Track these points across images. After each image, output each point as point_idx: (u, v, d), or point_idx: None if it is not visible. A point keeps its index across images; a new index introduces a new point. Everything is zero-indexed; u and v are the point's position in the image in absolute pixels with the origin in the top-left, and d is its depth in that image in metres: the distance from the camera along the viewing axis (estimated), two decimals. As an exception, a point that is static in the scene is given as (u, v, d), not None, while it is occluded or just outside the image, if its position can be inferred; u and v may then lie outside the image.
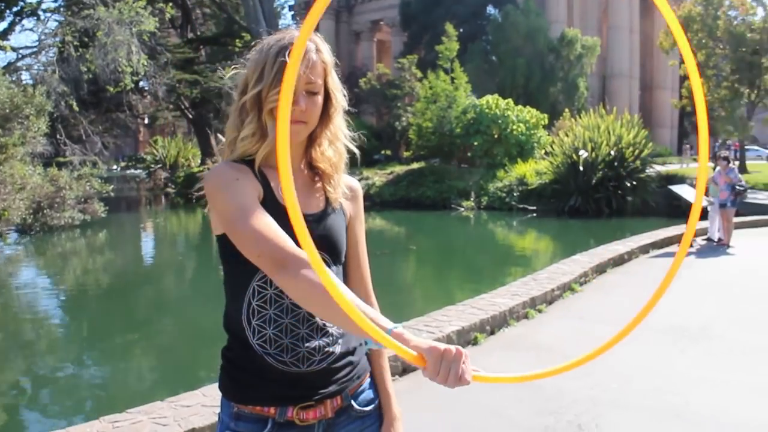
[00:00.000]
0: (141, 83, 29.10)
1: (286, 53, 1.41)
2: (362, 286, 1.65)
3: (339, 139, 1.55)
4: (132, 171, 40.37)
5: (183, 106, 34.73)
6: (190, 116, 35.55)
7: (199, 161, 34.98)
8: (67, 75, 22.68)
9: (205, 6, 41.51)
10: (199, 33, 39.45)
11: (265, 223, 1.33)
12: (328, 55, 1.49)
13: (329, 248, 1.50)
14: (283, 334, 1.45)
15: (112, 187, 22.99)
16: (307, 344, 1.46)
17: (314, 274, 1.17)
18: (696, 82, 1.01)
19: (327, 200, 1.55)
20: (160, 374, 7.05)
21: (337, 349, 1.51)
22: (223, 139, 1.56)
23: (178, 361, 7.31)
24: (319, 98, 1.47)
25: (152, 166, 35.52)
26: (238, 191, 1.40)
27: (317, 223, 1.49)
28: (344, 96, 1.55)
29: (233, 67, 1.61)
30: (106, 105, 28.35)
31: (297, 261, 1.26)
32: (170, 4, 31.49)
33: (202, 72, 31.82)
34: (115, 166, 40.05)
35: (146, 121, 45.89)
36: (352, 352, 1.55)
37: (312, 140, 1.53)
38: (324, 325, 1.48)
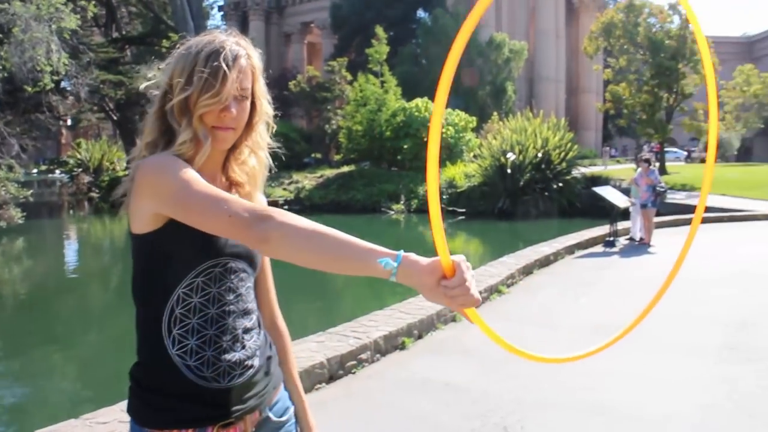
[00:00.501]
0: (62, 83, 28.10)
1: (219, 58, 1.36)
2: (270, 307, 1.64)
3: (261, 148, 1.51)
4: (53, 175, 38.95)
5: (107, 108, 33.73)
6: (115, 118, 34.57)
7: (125, 165, 33.99)
8: (-21, 73, 21.68)
9: (131, 4, 40.51)
10: (124, 32, 38.46)
11: (230, 199, 1.27)
12: (257, 60, 1.45)
13: (249, 258, 1.47)
14: (206, 345, 1.38)
15: (31, 192, 22.11)
16: (228, 357, 1.40)
17: (292, 217, 1.19)
18: (713, 97, 1.16)
19: None
20: (80, 389, 6.78)
21: (256, 362, 1.46)
22: (138, 144, 1.47)
23: (101, 375, 7.04)
24: (248, 104, 1.43)
25: (75, 169, 34.23)
26: (186, 168, 1.32)
27: None
28: (270, 104, 1.50)
29: (158, 67, 1.52)
30: (24, 105, 27.15)
31: (273, 211, 1.22)
32: (93, 1, 30.47)
33: (128, 73, 30.95)
34: (35, 170, 38.52)
35: (69, 123, 44.42)
36: (268, 364, 1.51)
37: (232, 148, 1.47)
38: (243, 337, 1.44)
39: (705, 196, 1.30)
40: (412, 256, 1.14)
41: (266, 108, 1.49)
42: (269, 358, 1.52)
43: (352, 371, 4.77)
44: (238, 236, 1.26)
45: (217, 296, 1.40)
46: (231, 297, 1.43)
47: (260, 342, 1.49)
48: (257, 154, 1.51)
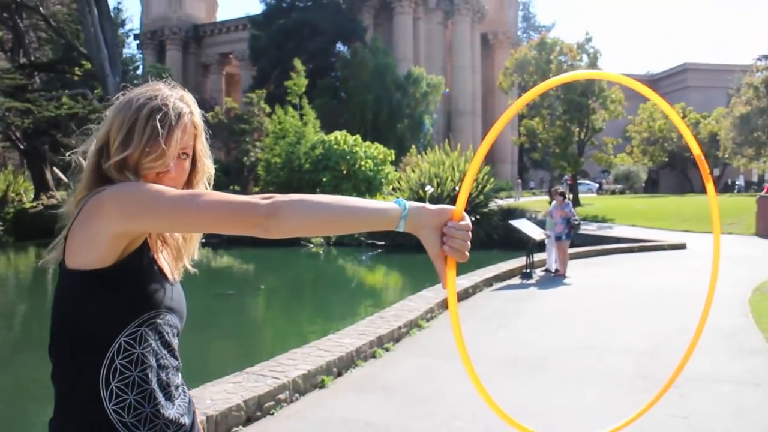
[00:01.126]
0: (-38, 110, 26.86)
1: (164, 117, 1.31)
2: None
3: None
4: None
5: (14, 137, 32.34)
6: (22, 147, 33.18)
7: (33, 196, 32.58)
8: None
9: (41, 30, 39.16)
10: (33, 58, 37.07)
11: (219, 192, 1.26)
12: (198, 117, 1.42)
13: (181, 314, 1.43)
14: (146, 401, 1.30)
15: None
16: (164, 414, 1.32)
17: (284, 198, 1.21)
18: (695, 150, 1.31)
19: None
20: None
21: (186, 420, 1.39)
22: (69, 199, 1.41)
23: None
24: (187, 163, 1.39)
25: (-24, 201, 32.61)
26: (162, 186, 1.28)
27: (176, 288, 1.43)
28: (211, 161, 1.48)
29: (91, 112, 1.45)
30: None
31: (272, 197, 1.22)
32: (-1, 26, 29.46)
33: (36, 101, 29.86)
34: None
35: (-30, 152, 42.37)
36: (193, 421, 1.44)
37: None
38: (176, 394, 1.38)
39: (718, 234, 1.39)
40: (417, 203, 1.25)
41: (208, 167, 1.47)
42: (194, 413, 1.47)
43: (271, 412, 4.63)
44: (240, 220, 1.21)
45: (157, 349, 1.34)
46: (166, 351, 1.37)
47: (187, 399, 1.44)
48: None
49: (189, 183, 1.43)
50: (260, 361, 5.43)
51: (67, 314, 1.32)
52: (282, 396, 4.78)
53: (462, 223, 1.21)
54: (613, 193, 47.17)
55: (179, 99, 1.38)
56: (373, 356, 6.16)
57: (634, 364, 5.92)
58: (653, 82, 69.71)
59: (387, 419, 4.60)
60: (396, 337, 6.77)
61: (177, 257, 1.48)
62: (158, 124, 1.31)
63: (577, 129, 28.51)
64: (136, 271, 1.30)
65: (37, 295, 15.98)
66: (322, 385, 5.25)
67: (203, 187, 1.47)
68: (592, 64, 28.40)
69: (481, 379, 1.23)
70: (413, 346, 6.80)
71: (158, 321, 1.34)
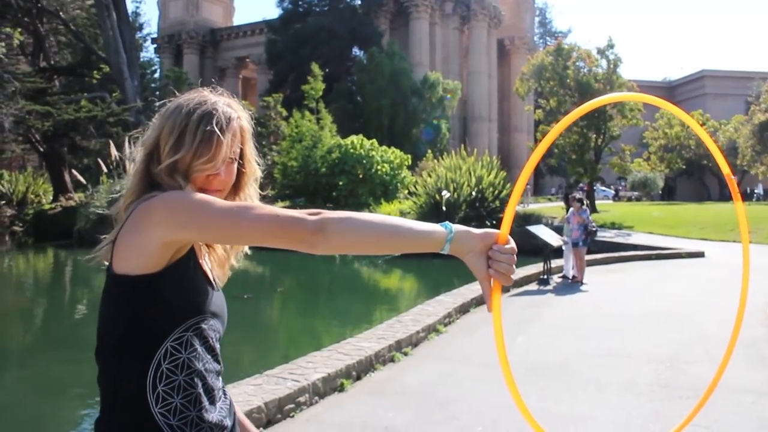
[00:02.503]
0: (-16, 113, 27.10)
1: (212, 121, 1.35)
2: None
3: None
4: (-27, 207, 37.37)
5: (34, 139, 32.64)
6: (42, 150, 33.50)
7: (51, 198, 32.86)
8: None
9: (61, 34, 39.55)
10: (53, 62, 37.44)
11: (267, 205, 1.27)
12: (246, 121, 1.45)
13: (223, 319, 1.45)
14: (191, 405, 1.31)
15: (-52, 225, 21.12)
16: (208, 418, 1.34)
17: (332, 215, 1.22)
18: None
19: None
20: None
21: (229, 422, 1.41)
22: (118, 202, 1.43)
23: (21, 421, 6.67)
24: (235, 167, 1.42)
25: (-4, 202, 32.95)
26: (212, 197, 1.30)
27: (219, 294, 1.45)
28: (258, 165, 1.51)
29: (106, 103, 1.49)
30: (-58, 135, 26.16)
31: (320, 213, 1.23)
32: (20, 29, 29.71)
33: (56, 104, 30.11)
34: (-47, 202, 36.88)
35: (-9, 153, 42.84)
36: (234, 424, 1.46)
37: None
38: (220, 397, 1.40)
39: (747, 243, 1.38)
40: (462, 225, 1.26)
41: (256, 170, 1.49)
42: (235, 414, 1.49)
43: (290, 415, 4.65)
44: (286, 235, 1.22)
45: (202, 354, 1.36)
46: (210, 355, 1.39)
47: (228, 401, 1.45)
48: None
49: (237, 185, 1.46)
50: (278, 364, 5.45)
51: (115, 319, 1.33)
52: (302, 399, 4.79)
53: (507, 246, 1.22)
54: (629, 200, 46.89)
55: (227, 105, 1.41)
56: (392, 360, 6.17)
57: (654, 372, 5.88)
58: (670, 89, 69.42)
59: (406, 423, 4.60)
60: (414, 341, 6.77)
61: (221, 263, 1.50)
62: (209, 128, 1.34)
63: (594, 135, 28.38)
64: (183, 277, 1.32)
65: (60, 294, 16.12)
66: (341, 389, 5.26)
67: (252, 191, 1.50)
68: (612, 70, 28.25)
69: (500, 385, 1.24)
70: (432, 350, 6.79)
71: (203, 326, 1.36)
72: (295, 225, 1.21)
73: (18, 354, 9.94)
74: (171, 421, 1.30)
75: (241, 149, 1.44)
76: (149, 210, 1.27)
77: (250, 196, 1.50)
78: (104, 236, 1.42)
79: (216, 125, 1.35)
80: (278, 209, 1.25)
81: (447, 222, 1.26)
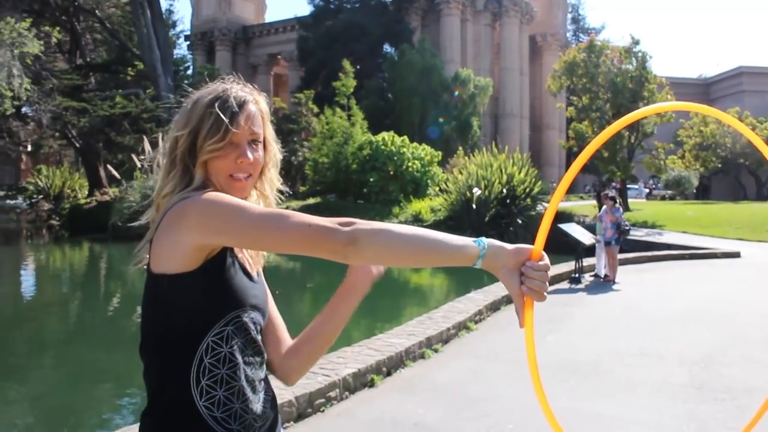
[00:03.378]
0: (23, 109, 27.66)
1: (224, 104, 1.37)
2: (285, 342, 1.60)
3: (272, 191, 1.52)
4: (11, 201, 38.15)
5: (70, 135, 33.22)
6: (78, 145, 34.07)
7: (87, 193, 33.43)
8: (-63, 97, 21.22)
9: (96, 32, 40.16)
10: (89, 59, 38.03)
11: (301, 214, 1.27)
12: (264, 104, 1.47)
13: (264, 311, 1.46)
14: (234, 397, 1.34)
15: (-13, 218, 21.59)
16: (251, 409, 1.37)
17: (365, 227, 1.22)
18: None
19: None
20: (38, 423, 6.54)
21: (271, 412, 1.45)
22: (158, 186, 1.45)
23: (60, 410, 6.81)
24: (261, 149, 1.44)
25: (35, 196, 33.57)
26: (236, 198, 1.32)
27: (258, 285, 1.46)
28: (279, 148, 1.52)
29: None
30: (-18, 131, 26.74)
31: (353, 224, 1.23)
32: (57, 27, 30.22)
33: (92, 100, 30.61)
34: (-8, 196, 37.69)
35: (29, 149, 43.65)
36: (276, 412, 1.49)
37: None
38: (262, 388, 1.42)
39: None
40: (496, 240, 1.25)
41: (276, 152, 1.50)
42: (276, 405, 1.51)
43: (321, 409, 4.69)
44: (319, 245, 1.23)
45: (243, 347, 1.38)
46: (252, 347, 1.41)
47: (271, 392, 1.48)
48: (266, 198, 1.51)
49: (262, 166, 1.48)
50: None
51: (156, 317, 1.36)
52: (332, 394, 4.82)
53: (540, 263, 1.21)
54: (663, 198, 46.25)
55: (240, 89, 1.44)
56: (422, 357, 6.18)
57: (688, 373, 5.80)
58: (706, 86, 68.22)
59: (436, 420, 4.61)
60: (445, 338, 6.77)
61: (257, 254, 1.52)
62: (217, 110, 1.37)
63: (627, 133, 28.01)
64: (221, 273, 1.34)
65: (96, 286, 16.40)
66: (371, 384, 5.28)
67: (273, 175, 1.51)
68: (641, 67, 27.84)
69: (530, 383, 1.24)
70: (462, 347, 6.79)
71: (244, 319, 1.37)
72: (327, 236, 1.21)
73: (55, 344, 10.14)
74: (215, 413, 1.32)
75: (263, 132, 1.46)
76: (183, 213, 1.29)
77: (271, 180, 1.51)
78: (138, 229, 1.45)
79: (226, 107, 1.37)
80: (312, 218, 1.25)
81: (481, 238, 1.26)
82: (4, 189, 41.07)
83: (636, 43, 28.09)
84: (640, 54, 28.05)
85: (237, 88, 1.43)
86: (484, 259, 1.23)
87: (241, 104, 1.39)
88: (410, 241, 1.24)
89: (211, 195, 1.31)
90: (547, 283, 1.21)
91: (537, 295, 1.20)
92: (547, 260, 1.22)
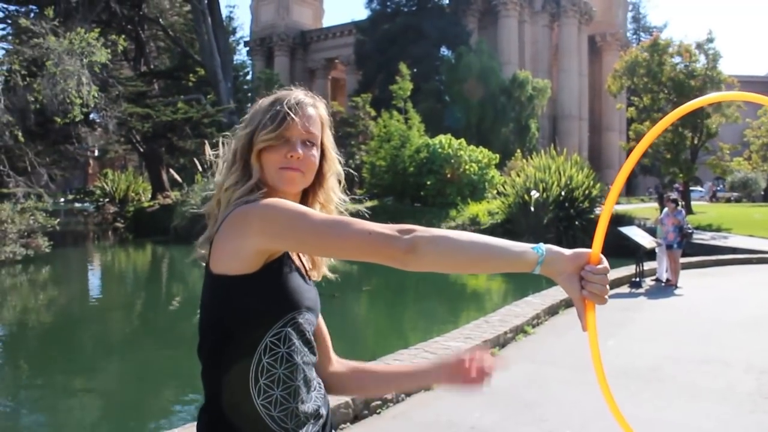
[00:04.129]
0: (91, 115, 28.58)
1: (283, 103, 1.42)
2: (329, 356, 1.64)
3: (332, 201, 1.54)
4: (80, 204, 39.52)
5: (134, 140, 34.23)
6: (142, 150, 35.07)
7: (150, 196, 34.38)
8: (13, 105, 22.08)
9: (160, 39, 41.31)
10: (152, 66, 39.12)
11: (361, 221, 1.30)
12: (324, 111, 1.50)
13: (317, 312, 1.49)
14: (291, 397, 1.37)
15: (57, 220, 22.40)
16: (306, 408, 1.40)
17: (425, 234, 1.24)
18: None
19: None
20: (100, 421, 6.76)
21: (324, 411, 1.47)
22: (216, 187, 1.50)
23: (125, 407, 7.03)
24: (315, 151, 1.46)
25: (101, 199, 34.72)
26: (297, 203, 1.37)
27: (313, 288, 1.49)
28: (339, 157, 1.55)
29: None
30: (54, 137, 27.62)
31: (412, 231, 1.25)
32: (123, 36, 31.15)
33: (155, 106, 31.46)
34: (62, 199, 39.07)
35: (96, 153, 45.11)
36: (329, 412, 1.51)
37: (304, 201, 1.50)
38: (316, 387, 1.45)
39: None
40: (554, 246, 1.25)
41: (335, 160, 1.53)
42: (329, 403, 1.54)
43: (377, 411, 4.72)
44: (379, 252, 1.26)
45: (300, 348, 1.40)
46: (307, 348, 1.43)
47: (323, 391, 1.50)
48: (327, 208, 1.53)
49: (320, 173, 1.50)
50: (366, 361, 5.52)
51: (215, 317, 1.39)
52: (389, 396, 4.85)
53: (599, 267, 1.21)
54: (728, 201, 44.84)
55: (302, 93, 1.48)
56: (478, 361, 6.14)
57: (756, 381, 5.62)
58: (776, 84, 65.93)
59: (493, 424, 4.59)
60: (502, 342, 6.73)
61: (316, 260, 1.55)
62: (277, 108, 1.42)
63: (690, 134, 27.26)
64: (279, 276, 1.37)
65: (158, 287, 16.85)
66: (428, 387, 5.28)
67: (334, 183, 1.54)
68: (711, 66, 27.03)
69: (592, 387, 1.24)
70: (519, 351, 6.73)
71: (300, 320, 1.40)
72: (387, 243, 1.24)
73: (120, 343, 10.46)
74: (272, 412, 1.35)
75: (321, 138, 1.49)
76: (246, 217, 1.32)
77: (333, 189, 1.53)
78: (200, 234, 1.50)
79: (283, 105, 1.42)
80: (372, 225, 1.27)
81: (540, 244, 1.27)
82: (73, 193, 42.54)
83: (710, 39, 27.22)
84: (711, 52, 27.20)
85: (298, 92, 1.48)
86: (542, 265, 1.23)
87: (298, 103, 1.44)
88: (469, 249, 1.25)
89: (273, 200, 1.34)
90: (608, 286, 1.21)
91: (598, 299, 1.21)
92: (606, 263, 1.22)
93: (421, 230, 1.25)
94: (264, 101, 1.47)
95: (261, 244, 1.32)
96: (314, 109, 1.47)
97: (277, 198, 1.36)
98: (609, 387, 1.23)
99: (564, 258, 1.23)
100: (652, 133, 1.24)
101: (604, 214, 1.23)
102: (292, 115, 1.41)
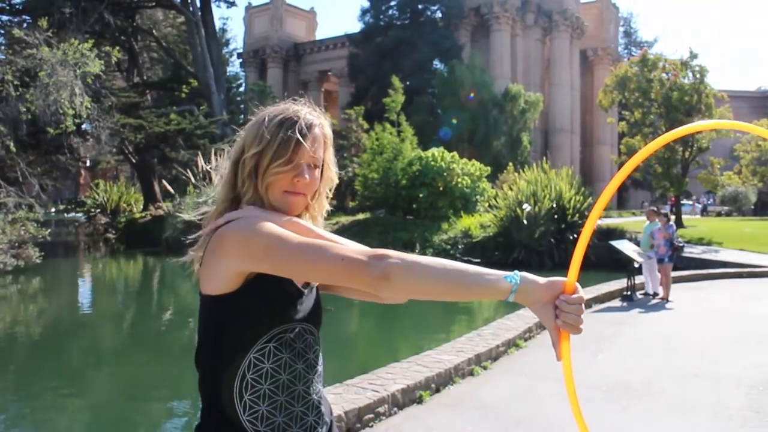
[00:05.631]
0: (83, 126, 28.52)
1: (294, 126, 1.41)
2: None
3: (321, 214, 1.55)
4: (71, 215, 39.35)
5: (127, 151, 34.17)
6: (134, 161, 35.01)
7: (142, 207, 34.29)
8: (5, 115, 22.01)
9: (153, 51, 41.36)
10: (145, 77, 39.15)
11: (334, 245, 1.30)
12: (329, 129, 1.50)
13: (316, 320, 1.49)
14: (277, 411, 1.38)
15: (48, 231, 22.29)
16: (300, 425, 1.40)
17: (403, 253, 1.25)
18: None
19: None
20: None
21: (324, 429, 1.47)
22: (215, 203, 1.51)
23: (114, 419, 6.99)
24: (318, 172, 1.47)
25: (92, 210, 34.62)
26: (275, 226, 1.35)
27: (308, 298, 1.47)
28: (336, 172, 1.55)
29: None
30: (46, 147, 27.55)
31: (383, 250, 1.26)
32: (117, 47, 31.17)
33: (148, 117, 31.43)
34: (52, 209, 38.91)
35: (88, 164, 44.98)
36: (331, 428, 1.51)
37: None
38: (313, 403, 1.44)
39: None
40: (529, 275, 1.25)
41: (333, 176, 1.53)
42: (331, 422, 1.53)
43: (370, 425, 4.72)
44: (353, 278, 1.26)
45: (288, 362, 1.40)
46: (300, 363, 1.43)
47: (326, 407, 1.50)
48: (314, 219, 1.54)
49: (316, 190, 1.51)
50: (357, 374, 5.53)
51: (206, 335, 1.42)
52: (381, 409, 4.85)
53: (574, 296, 1.21)
54: (718, 215, 45.07)
55: (309, 113, 1.47)
56: (471, 374, 6.16)
57: (745, 396, 5.65)
58: (765, 98, 66.48)
59: (485, 438, 4.59)
60: (494, 355, 6.74)
61: None
62: (289, 133, 1.40)
63: (681, 148, 27.43)
64: (261, 292, 1.37)
65: (149, 298, 16.78)
66: (420, 401, 5.29)
67: (324, 198, 1.54)
68: (700, 81, 27.24)
69: (582, 401, 1.24)
70: (511, 365, 6.75)
71: (288, 335, 1.40)
72: (360, 270, 1.24)
73: (110, 354, 10.41)
74: (259, 427, 1.36)
75: (323, 156, 1.49)
76: (222, 240, 1.34)
77: (323, 201, 1.54)
78: (191, 243, 1.51)
79: (296, 130, 1.41)
80: (346, 251, 1.27)
81: (514, 273, 1.26)
82: (64, 203, 42.35)
83: (694, 56, 27.51)
84: (697, 68, 27.44)
85: (305, 112, 1.46)
86: (516, 293, 1.23)
87: (309, 128, 1.43)
88: (442, 276, 1.24)
89: (251, 223, 1.34)
90: (582, 317, 1.21)
91: (572, 329, 1.21)
92: (581, 293, 1.22)
93: (395, 256, 1.24)
94: (269, 118, 1.44)
95: (239, 266, 1.33)
96: (320, 129, 1.47)
97: (258, 221, 1.36)
98: (582, 417, 1.23)
99: (538, 287, 1.23)
100: (640, 155, 1.25)
101: (581, 241, 1.22)
102: (303, 143, 1.41)
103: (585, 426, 1.22)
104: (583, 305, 1.21)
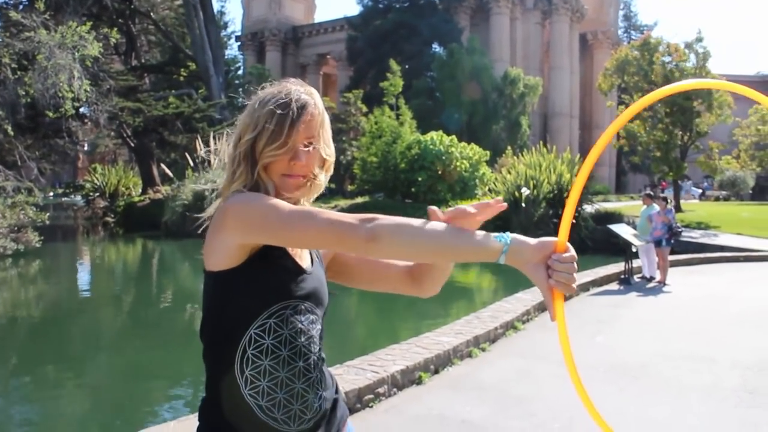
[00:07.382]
0: (82, 109, 28.42)
1: (287, 108, 1.41)
2: (395, 265, 1.59)
3: (319, 190, 1.55)
4: (69, 198, 39.32)
5: (125, 134, 34.09)
6: (132, 145, 34.94)
7: (140, 190, 34.27)
8: (3, 98, 21.92)
9: (151, 33, 41.09)
10: (143, 60, 38.94)
11: (327, 211, 1.31)
12: (321, 104, 1.49)
13: (319, 300, 1.50)
14: (278, 387, 1.40)
15: (47, 215, 22.27)
16: (299, 401, 1.42)
17: (386, 223, 1.25)
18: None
19: (310, 253, 1.54)
20: (89, 414, 6.78)
21: (327, 405, 1.48)
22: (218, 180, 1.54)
23: (111, 401, 7.04)
24: (315, 152, 1.47)
25: (91, 194, 34.60)
26: (270, 196, 1.38)
27: (311, 276, 1.48)
28: (333, 152, 1.54)
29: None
30: (45, 130, 27.44)
31: (374, 220, 1.26)
32: (115, 29, 30.98)
33: (146, 100, 31.32)
34: (51, 193, 38.92)
35: (86, 148, 44.94)
36: (334, 406, 1.53)
37: None
38: (314, 381, 1.45)
39: None
40: (519, 236, 1.24)
41: (329, 155, 1.52)
42: (335, 400, 1.54)
43: (369, 405, 4.77)
44: (343, 242, 1.28)
45: (289, 338, 1.42)
46: (302, 339, 1.44)
47: (329, 384, 1.52)
48: (308, 200, 1.55)
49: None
50: (357, 356, 5.58)
51: (209, 311, 1.45)
52: (381, 390, 4.91)
53: (566, 255, 1.20)
54: (717, 199, 45.11)
55: (303, 93, 1.46)
56: (470, 355, 6.22)
57: (740, 377, 5.72)
58: (765, 82, 66.28)
59: (483, 418, 4.66)
60: (492, 337, 6.80)
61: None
62: (280, 114, 1.40)
63: (680, 133, 27.41)
64: (262, 267, 1.40)
65: (149, 281, 16.83)
66: (419, 381, 5.35)
67: (324, 177, 1.53)
68: (701, 65, 27.16)
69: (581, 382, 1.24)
70: (509, 347, 6.81)
71: (288, 312, 1.42)
72: (349, 233, 1.26)
73: (110, 338, 10.47)
74: (260, 402, 1.39)
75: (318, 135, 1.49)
76: (223, 216, 1.37)
77: (322, 182, 1.53)
78: (189, 226, 1.53)
79: (288, 112, 1.40)
80: (335, 215, 1.29)
81: (505, 233, 1.26)
82: (63, 187, 42.34)
83: (699, 39, 27.34)
84: (701, 51, 27.32)
85: (298, 92, 1.45)
86: (507, 254, 1.23)
87: (302, 109, 1.42)
88: (431, 237, 1.25)
89: (246, 196, 1.38)
90: (575, 275, 1.20)
91: (565, 287, 1.20)
92: (572, 251, 1.21)
93: (384, 218, 1.26)
94: (261, 102, 1.44)
95: (239, 239, 1.36)
96: (314, 107, 1.46)
97: (252, 193, 1.40)
98: (580, 378, 1.22)
99: (530, 247, 1.23)
100: (630, 111, 1.23)
101: (569, 202, 1.23)
102: (297, 125, 1.41)
103: (581, 385, 1.23)
104: (575, 264, 1.20)
